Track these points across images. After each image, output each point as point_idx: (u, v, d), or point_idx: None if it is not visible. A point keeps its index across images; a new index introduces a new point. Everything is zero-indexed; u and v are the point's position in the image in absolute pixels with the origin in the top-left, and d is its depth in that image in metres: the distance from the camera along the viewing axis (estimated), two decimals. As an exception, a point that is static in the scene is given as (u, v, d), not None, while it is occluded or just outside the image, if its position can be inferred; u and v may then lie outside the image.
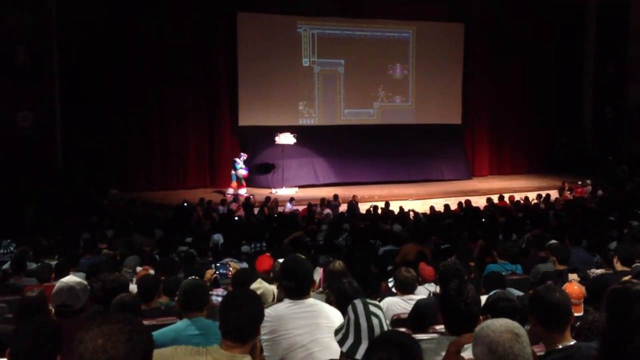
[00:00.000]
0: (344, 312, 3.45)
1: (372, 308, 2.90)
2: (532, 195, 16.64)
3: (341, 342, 2.87)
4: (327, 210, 14.98)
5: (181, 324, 3.53)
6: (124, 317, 1.84)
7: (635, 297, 2.29)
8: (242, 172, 17.50)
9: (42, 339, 2.73)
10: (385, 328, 2.87)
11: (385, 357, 2.08)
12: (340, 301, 3.98)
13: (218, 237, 10.00)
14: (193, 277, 3.83)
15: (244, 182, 17.63)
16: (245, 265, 7.32)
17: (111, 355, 1.73)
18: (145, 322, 3.91)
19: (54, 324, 2.93)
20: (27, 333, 2.75)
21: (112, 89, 17.50)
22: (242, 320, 2.64)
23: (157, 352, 2.02)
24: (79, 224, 11.69)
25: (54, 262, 6.88)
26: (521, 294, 4.87)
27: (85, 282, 4.17)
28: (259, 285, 4.83)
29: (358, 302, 2.94)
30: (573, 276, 5.60)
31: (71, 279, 4.06)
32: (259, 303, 2.83)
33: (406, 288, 5.17)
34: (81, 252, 8.28)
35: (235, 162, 17.58)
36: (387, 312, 4.65)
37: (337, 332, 2.96)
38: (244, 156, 17.72)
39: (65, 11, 16.57)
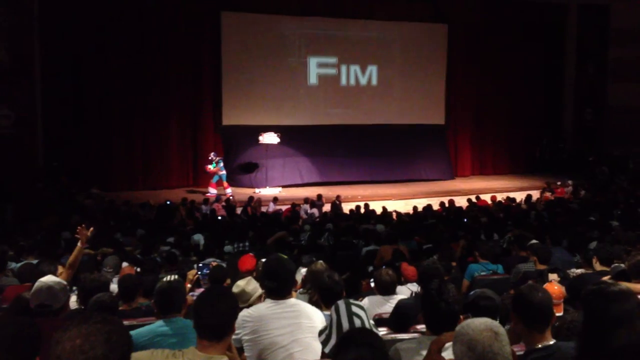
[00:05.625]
0: (329, 306, 3.47)
1: (354, 308, 2.91)
2: (513, 196, 16.77)
3: (324, 343, 2.88)
4: (314, 210, 15.01)
5: (157, 324, 3.51)
6: (102, 317, 1.81)
7: (610, 298, 2.31)
8: (211, 168, 17.18)
9: (21, 340, 2.69)
10: (368, 328, 2.87)
11: (353, 358, 2.07)
12: (324, 297, 3.99)
13: (198, 237, 9.97)
14: (168, 278, 3.78)
15: (225, 183, 17.40)
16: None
17: (89, 356, 1.71)
18: (126, 322, 3.90)
19: (32, 324, 2.89)
20: (6, 334, 2.71)
21: (94, 88, 17.36)
22: (216, 318, 2.62)
23: (133, 357, 2.00)
24: (59, 223, 11.58)
25: (34, 262, 6.80)
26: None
27: (65, 282, 4.13)
28: (245, 283, 4.71)
29: (341, 303, 2.94)
30: (553, 276, 5.66)
31: (50, 278, 4.01)
32: (232, 299, 2.82)
33: (386, 289, 5.19)
34: (62, 251, 8.20)
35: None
36: (368, 312, 4.65)
37: (321, 332, 2.96)
38: (211, 155, 17.43)
39: (47, 10, 16.43)
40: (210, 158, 17.20)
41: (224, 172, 17.30)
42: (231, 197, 16.20)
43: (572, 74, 23.39)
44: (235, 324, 2.78)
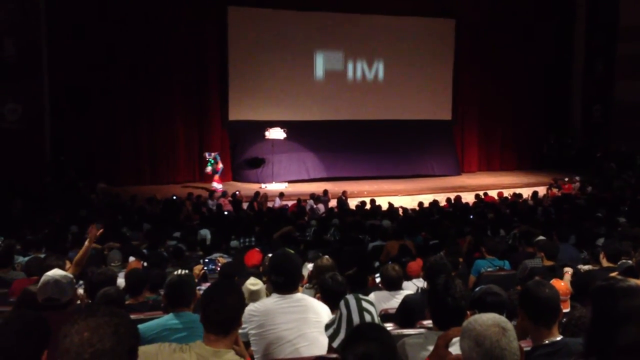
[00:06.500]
0: (331, 307, 3.46)
1: (364, 304, 2.90)
2: (520, 192, 16.73)
3: (332, 338, 2.87)
4: (320, 205, 15.01)
5: (166, 318, 3.52)
6: (110, 310, 1.81)
7: (619, 294, 2.30)
8: (209, 169, 17.29)
9: (29, 334, 2.70)
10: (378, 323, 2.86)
11: (362, 352, 2.07)
12: (324, 296, 3.98)
13: (205, 232, 9.98)
14: (179, 272, 3.78)
15: (217, 177, 17.38)
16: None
17: (97, 349, 1.71)
18: (133, 316, 3.89)
19: (40, 318, 2.89)
20: (14, 328, 2.71)
21: (101, 82, 17.35)
22: (223, 312, 2.63)
23: (141, 350, 2.00)
24: (66, 218, 11.62)
25: (41, 256, 6.82)
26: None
27: (72, 276, 4.14)
28: (255, 282, 4.73)
29: (351, 298, 2.93)
30: (568, 269, 5.63)
31: (57, 272, 4.01)
32: (239, 293, 2.82)
33: (392, 285, 5.19)
34: (69, 245, 8.23)
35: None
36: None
37: (327, 327, 2.96)
38: (205, 155, 17.49)
39: (54, 4, 16.44)
40: (206, 159, 17.24)
41: (221, 166, 17.33)
42: (238, 192, 16.14)
43: (580, 70, 23.27)
44: (242, 318, 2.78)
